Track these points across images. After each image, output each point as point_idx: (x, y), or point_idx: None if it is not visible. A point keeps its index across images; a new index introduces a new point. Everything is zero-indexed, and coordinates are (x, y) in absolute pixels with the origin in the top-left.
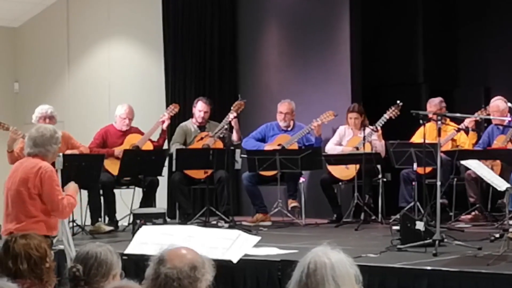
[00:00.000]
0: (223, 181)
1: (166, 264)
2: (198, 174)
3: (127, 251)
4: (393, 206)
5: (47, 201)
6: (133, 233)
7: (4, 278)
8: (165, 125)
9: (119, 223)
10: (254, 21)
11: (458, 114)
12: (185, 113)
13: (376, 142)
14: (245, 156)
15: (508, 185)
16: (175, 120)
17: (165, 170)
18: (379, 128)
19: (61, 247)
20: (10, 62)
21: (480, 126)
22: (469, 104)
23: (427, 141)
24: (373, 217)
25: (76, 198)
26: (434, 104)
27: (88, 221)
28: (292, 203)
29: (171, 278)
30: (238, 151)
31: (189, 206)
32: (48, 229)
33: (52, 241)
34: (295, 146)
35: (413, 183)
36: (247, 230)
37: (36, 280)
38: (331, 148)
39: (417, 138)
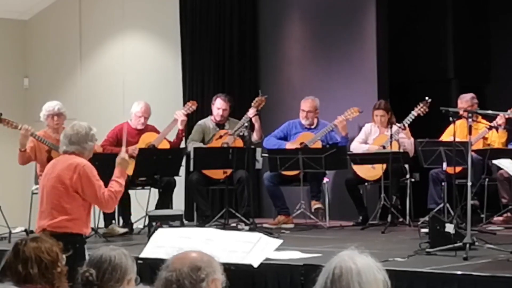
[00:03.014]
0: (243, 182)
1: (168, 268)
2: (217, 174)
3: (142, 255)
4: (421, 207)
5: (88, 197)
6: (149, 236)
7: (10, 283)
8: (179, 124)
9: (134, 226)
10: (275, 14)
11: (489, 111)
12: (204, 110)
13: (404, 140)
14: (266, 155)
15: None
16: (193, 118)
17: (182, 170)
18: (406, 125)
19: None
20: (19, 56)
21: None
22: (502, 101)
23: (457, 140)
24: (401, 219)
25: (122, 180)
26: (465, 100)
27: (102, 224)
28: (315, 205)
29: (170, 281)
30: (259, 150)
31: (208, 207)
32: (83, 227)
33: (85, 240)
34: (318, 145)
35: (443, 183)
36: (269, 232)
37: (47, 285)
38: (356, 146)
39: (446, 136)
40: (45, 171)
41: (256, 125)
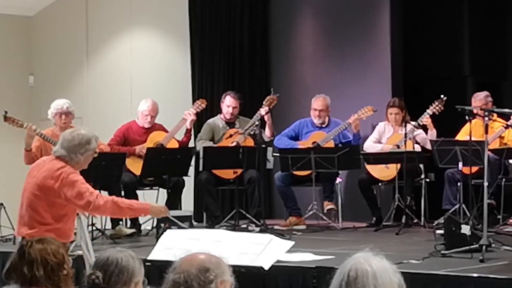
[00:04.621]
0: (253, 182)
1: (176, 270)
2: (227, 174)
3: (150, 257)
4: (436, 208)
5: (72, 200)
6: (157, 237)
7: (15, 285)
8: (188, 123)
9: (142, 227)
10: (287, 10)
11: (506, 110)
12: (213, 109)
13: (421, 136)
14: (277, 154)
15: None
16: (202, 116)
17: (191, 170)
18: (428, 118)
19: (80, 252)
20: (24, 53)
21: None
22: None
23: (473, 139)
24: (415, 221)
25: (137, 211)
26: (479, 98)
27: (109, 225)
28: (328, 205)
29: (178, 283)
30: (270, 149)
31: (217, 208)
32: (62, 237)
33: (68, 247)
34: (331, 144)
35: (458, 183)
36: (280, 234)
37: None
38: (370, 146)
39: (462, 135)
40: (30, 172)
41: (268, 122)
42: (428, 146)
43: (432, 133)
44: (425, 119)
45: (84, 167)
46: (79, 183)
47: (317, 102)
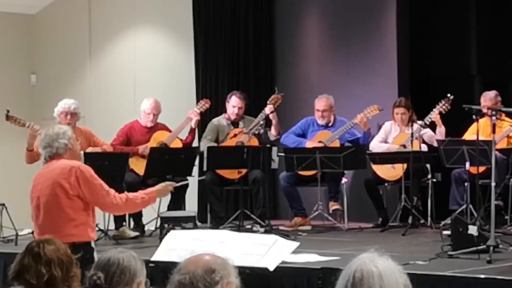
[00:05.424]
0: (258, 182)
1: (181, 271)
2: (231, 174)
3: (154, 258)
4: (443, 209)
5: (91, 199)
6: (161, 238)
7: (21, 287)
8: (193, 123)
9: (146, 228)
10: (292, 8)
11: None
12: (217, 108)
13: (428, 133)
14: (282, 154)
15: None
16: (206, 116)
17: (195, 170)
18: (436, 113)
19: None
20: (26, 52)
21: None
22: None
23: (480, 138)
24: (422, 221)
25: (147, 202)
26: (489, 97)
27: (112, 226)
28: (333, 206)
29: (183, 284)
30: (275, 149)
31: (222, 209)
32: (89, 232)
33: (93, 247)
34: (336, 144)
35: (466, 184)
36: (285, 235)
37: None
38: (376, 145)
39: (469, 135)
40: (34, 182)
41: (274, 121)
42: (436, 144)
43: (441, 130)
44: (434, 115)
45: (79, 152)
46: (94, 180)
47: (320, 103)
